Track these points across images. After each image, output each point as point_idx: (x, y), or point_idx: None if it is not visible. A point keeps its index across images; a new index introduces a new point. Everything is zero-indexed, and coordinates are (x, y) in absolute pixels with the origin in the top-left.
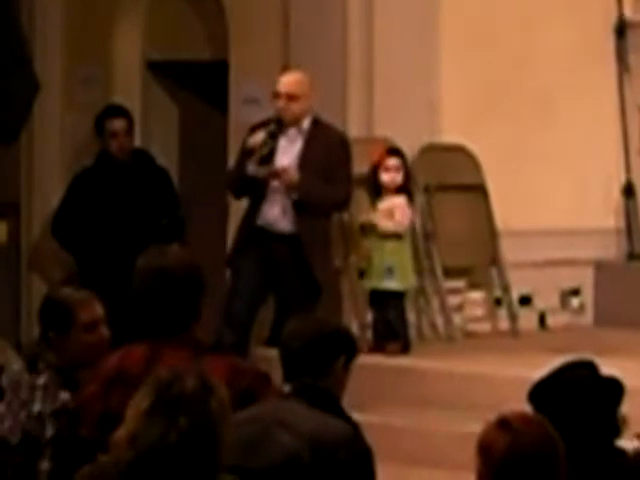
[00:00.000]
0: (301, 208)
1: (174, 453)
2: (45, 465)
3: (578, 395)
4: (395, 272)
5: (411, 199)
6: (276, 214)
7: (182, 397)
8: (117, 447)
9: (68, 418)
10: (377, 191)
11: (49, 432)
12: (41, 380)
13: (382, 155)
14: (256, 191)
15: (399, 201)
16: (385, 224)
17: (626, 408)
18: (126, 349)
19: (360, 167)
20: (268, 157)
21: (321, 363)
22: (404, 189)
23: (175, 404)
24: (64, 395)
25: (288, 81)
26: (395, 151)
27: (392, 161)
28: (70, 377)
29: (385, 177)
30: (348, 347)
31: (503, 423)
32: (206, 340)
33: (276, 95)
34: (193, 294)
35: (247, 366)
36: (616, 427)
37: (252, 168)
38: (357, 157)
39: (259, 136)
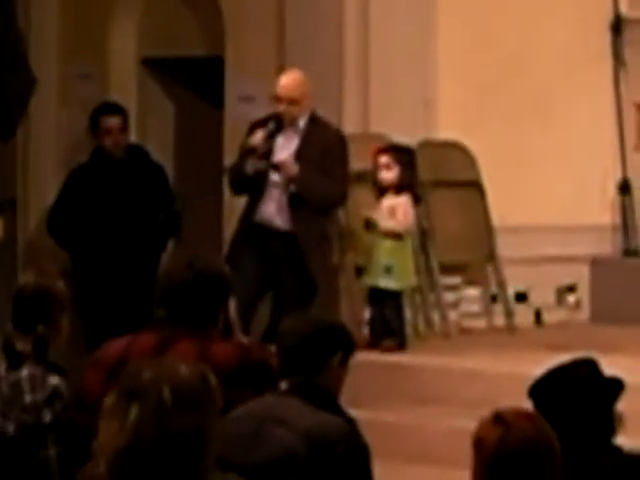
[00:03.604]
0: (297, 203)
1: (161, 453)
2: (52, 451)
3: (578, 393)
4: (393, 271)
5: (416, 199)
6: (272, 210)
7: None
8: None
9: (64, 402)
10: (380, 190)
11: (47, 418)
12: (24, 372)
13: (374, 154)
14: (255, 188)
15: (401, 200)
16: (386, 222)
17: (622, 405)
18: (131, 338)
19: (356, 164)
20: (266, 155)
21: (317, 360)
22: (408, 188)
23: (161, 407)
24: (53, 379)
25: (288, 85)
26: (384, 149)
27: (382, 159)
28: (50, 362)
29: (378, 175)
30: (344, 343)
31: (497, 418)
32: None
33: (277, 99)
34: (217, 296)
35: (252, 342)
36: (612, 425)
37: (251, 166)
38: (353, 154)
39: (259, 135)
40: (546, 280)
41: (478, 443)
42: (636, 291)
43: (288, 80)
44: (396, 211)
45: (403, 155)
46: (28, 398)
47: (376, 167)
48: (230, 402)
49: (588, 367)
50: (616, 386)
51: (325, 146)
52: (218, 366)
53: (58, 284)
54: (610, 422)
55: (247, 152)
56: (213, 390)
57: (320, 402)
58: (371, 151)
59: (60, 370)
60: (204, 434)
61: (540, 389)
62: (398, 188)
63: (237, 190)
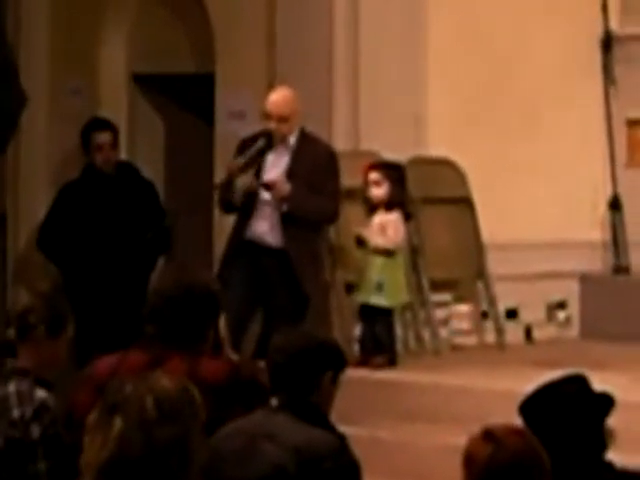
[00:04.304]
0: (289, 221)
1: (149, 466)
2: (42, 466)
3: (568, 409)
4: (384, 288)
5: (407, 216)
6: (264, 228)
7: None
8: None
9: (52, 416)
10: (370, 207)
11: (35, 433)
12: (11, 388)
13: (365, 170)
14: (245, 206)
15: (392, 217)
16: (375, 240)
17: (612, 422)
18: (121, 355)
19: (346, 181)
20: (257, 173)
21: (307, 377)
22: (398, 205)
23: (146, 420)
24: (40, 393)
25: (278, 102)
26: (375, 166)
27: (371, 175)
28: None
29: (368, 192)
30: (335, 361)
31: (487, 434)
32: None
33: (267, 116)
34: (206, 313)
35: (242, 359)
36: (603, 441)
37: (241, 186)
38: (343, 171)
39: (248, 152)
40: (536, 297)
41: (468, 459)
42: (626, 308)
43: (278, 97)
44: (386, 228)
45: (393, 172)
46: (16, 413)
47: (366, 184)
48: (220, 419)
49: (578, 383)
50: (606, 402)
51: (315, 162)
52: (208, 383)
53: (42, 302)
54: (601, 438)
55: (234, 174)
56: (196, 401)
57: (310, 418)
58: (361, 168)
59: (47, 384)
60: (187, 445)
61: (530, 405)
62: (388, 205)
63: (227, 209)
